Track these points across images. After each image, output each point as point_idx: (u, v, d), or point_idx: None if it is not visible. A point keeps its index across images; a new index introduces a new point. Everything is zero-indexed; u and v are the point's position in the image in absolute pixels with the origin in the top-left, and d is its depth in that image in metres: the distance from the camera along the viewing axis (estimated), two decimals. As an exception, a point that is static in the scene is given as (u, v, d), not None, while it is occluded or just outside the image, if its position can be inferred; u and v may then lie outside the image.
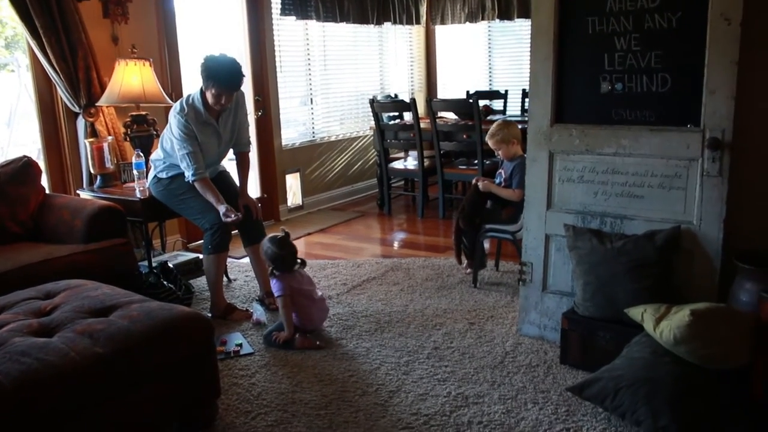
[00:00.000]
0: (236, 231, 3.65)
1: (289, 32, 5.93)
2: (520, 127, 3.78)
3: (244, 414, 2.51)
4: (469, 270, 3.96)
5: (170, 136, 3.43)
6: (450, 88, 7.63)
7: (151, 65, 4.02)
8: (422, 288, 3.88)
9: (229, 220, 3.35)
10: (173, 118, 3.40)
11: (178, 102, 3.45)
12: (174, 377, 2.26)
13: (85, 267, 3.12)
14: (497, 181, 3.82)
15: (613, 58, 2.76)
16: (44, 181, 3.92)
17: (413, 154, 6.01)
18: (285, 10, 5.65)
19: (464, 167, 5.71)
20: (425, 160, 5.78)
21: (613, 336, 2.62)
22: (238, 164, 3.77)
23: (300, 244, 5.18)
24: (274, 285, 3.18)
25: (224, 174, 3.77)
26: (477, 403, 2.52)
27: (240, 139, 3.67)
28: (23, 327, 2.21)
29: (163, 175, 3.53)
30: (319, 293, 3.34)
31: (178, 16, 4.75)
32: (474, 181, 3.85)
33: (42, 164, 3.99)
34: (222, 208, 3.36)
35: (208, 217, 3.42)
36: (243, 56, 5.55)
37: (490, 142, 3.82)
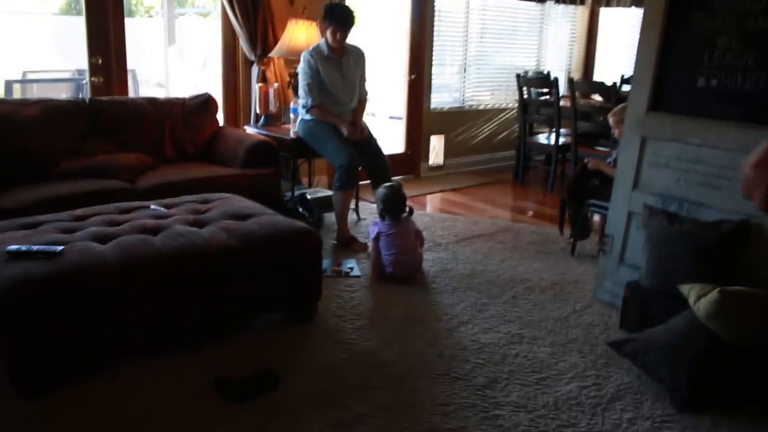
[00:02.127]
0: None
1: (451, 2, 6.36)
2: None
3: (337, 317, 3.11)
4: (570, 239, 4.26)
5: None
6: (608, 71, 7.67)
7: (317, 25, 4.67)
8: (524, 249, 4.26)
9: (350, 135, 4.14)
10: (302, 57, 4.18)
11: None
12: (284, 274, 2.89)
13: (240, 186, 3.81)
14: (608, 160, 4.06)
15: (713, 55, 2.96)
16: (220, 115, 4.74)
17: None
18: (448, -18, 6.09)
19: (603, 149, 5.87)
20: (567, 137, 6.01)
21: (666, 309, 2.87)
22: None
23: (433, 199, 5.73)
24: (370, 228, 3.73)
25: (372, 139, 4.37)
26: (529, 342, 2.92)
27: (361, 89, 4.40)
28: (184, 219, 2.93)
29: (307, 117, 4.20)
30: (417, 247, 3.77)
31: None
32: (586, 160, 4.13)
33: (220, 101, 4.81)
34: (344, 129, 4.13)
35: (339, 158, 4.04)
36: (404, 22, 6.08)
37: (610, 119, 4.05)
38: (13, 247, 2.42)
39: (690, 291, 2.71)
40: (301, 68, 4.19)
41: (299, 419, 2.27)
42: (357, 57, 4.33)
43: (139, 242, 2.60)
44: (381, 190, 3.75)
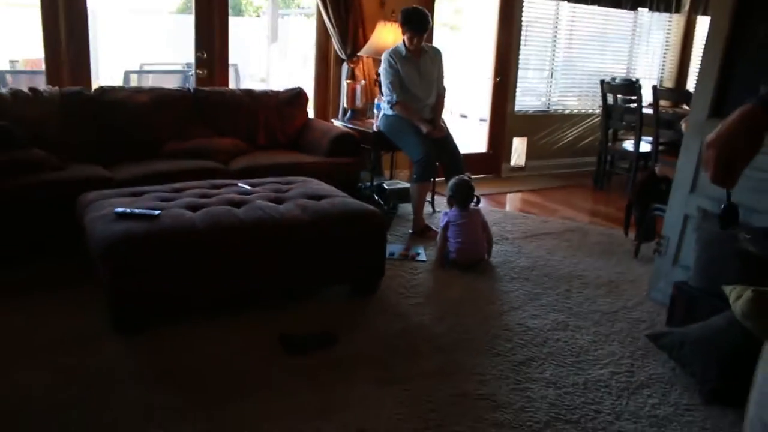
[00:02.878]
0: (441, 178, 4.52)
1: (539, 10, 6.51)
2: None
3: (397, 294, 3.39)
4: (635, 241, 4.35)
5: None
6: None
7: (402, 28, 4.97)
8: (588, 249, 4.38)
9: (430, 133, 4.40)
10: (383, 58, 4.51)
11: None
12: (351, 250, 3.20)
13: (322, 173, 4.15)
14: None
15: (775, 64, 3.03)
16: (311, 108, 5.13)
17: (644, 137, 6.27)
18: (537, -10, 6.24)
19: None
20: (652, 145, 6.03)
21: (711, 308, 2.96)
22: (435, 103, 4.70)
23: (510, 198, 5.93)
24: (441, 217, 3.99)
25: (449, 136, 4.62)
26: (573, 330, 3.09)
27: (438, 85, 4.65)
28: (267, 196, 3.30)
29: (389, 113, 4.51)
30: (484, 239, 4.00)
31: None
32: (655, 165, 4.22)
33: (311, 95, 5.20)
34: (424, 128, 4.39)
35: (416, 152, 4.33)
36: (492, 28, 6.29)
37: (683, 125, 4.12)
38: (120, 209, 2.85)
39: (731, 292, 2.79)
40: (382, 68, 4.51)
41: (349, 373, 2.56)
42: (434, 56, 4.62)
43: (224, 212, 2.98)
44: (452, 181, 4.03)
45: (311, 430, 2.19)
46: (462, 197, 3.95)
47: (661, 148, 5.97)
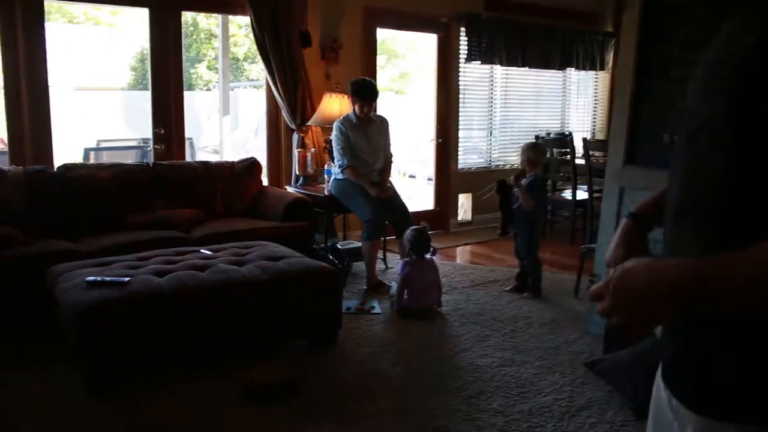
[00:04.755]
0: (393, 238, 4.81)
1: (475, 73, 6.99)
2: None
3: (354, 344, 3.62)
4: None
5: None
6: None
7: (348, 98, 5.33)
8: (532, 293, 4.70)
9: (377, 195, 4.70)
10: (335, 125, 4.84)
11: None
12: (309, 305, 3.43)
13: (278, 236, 4.38)
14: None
15: (673, 115, 3.45)
16: (264, 176, 5.41)
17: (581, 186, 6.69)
18: (471, 57, 6.71)
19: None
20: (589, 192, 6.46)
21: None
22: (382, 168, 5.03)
23: (458, 251, 6.22)
24: (399, 267, 4.26)
25: (396, 196, 4.96)
26: (518, 365, 3.37)
27: (385, 151, 4.98)
28: (228, 260, 3.53)
29: (340, 177, 4.81)
30: (435, 287, 4.27)
31: (380, 60, 6.06)
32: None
33: (264, 164, 5.49)
34: (372, 191, 4.69)
35: (366, 212, 4.62)
36: (431, 92, 6.74)
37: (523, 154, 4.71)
38: (91, 277, 3.05)
39: (653, 318, 3.13)
40: (334, 135, 4.84)
41: (313, 417, 2.77)
42: (381, 124, 4.97)
43: (190, 276, 3.20)
44: (408, 232, 4.33)
45: (281, 468, 2.39)
46: (418, 246, 4.24)
47: (596, 195, 6.39)
